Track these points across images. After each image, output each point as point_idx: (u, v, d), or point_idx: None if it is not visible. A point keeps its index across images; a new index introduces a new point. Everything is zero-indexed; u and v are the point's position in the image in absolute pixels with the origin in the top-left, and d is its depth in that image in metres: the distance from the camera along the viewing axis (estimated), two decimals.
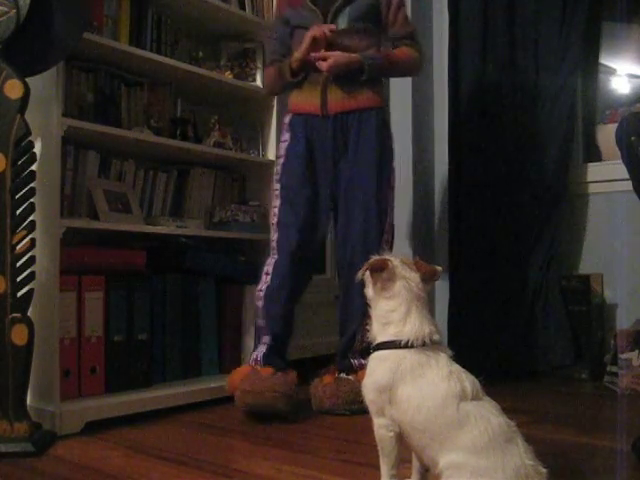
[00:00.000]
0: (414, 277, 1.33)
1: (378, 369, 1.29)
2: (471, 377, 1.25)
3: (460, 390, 1.21)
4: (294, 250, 2.18)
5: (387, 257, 1.35)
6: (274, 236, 2.25)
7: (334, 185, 2.24)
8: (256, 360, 2.14)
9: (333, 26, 2.16)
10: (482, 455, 1.14)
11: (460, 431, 1.16)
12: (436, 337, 1.29)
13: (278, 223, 2.24)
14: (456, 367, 1.27)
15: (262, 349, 2.16)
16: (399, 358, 1.27)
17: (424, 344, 1.27)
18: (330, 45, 2.15)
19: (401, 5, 2.30)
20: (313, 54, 2.15)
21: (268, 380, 2.02)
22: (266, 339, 2.17)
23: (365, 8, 2.22)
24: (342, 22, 2.20)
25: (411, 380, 1.24)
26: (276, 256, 2.22)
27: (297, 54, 2.19)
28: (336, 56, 2.13)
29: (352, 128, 2.21)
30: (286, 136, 2.29)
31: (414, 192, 3.35)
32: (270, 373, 2.06)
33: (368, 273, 1.35)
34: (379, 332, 1.33)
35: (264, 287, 2.18)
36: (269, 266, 2.21)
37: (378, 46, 2.28)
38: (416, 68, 2.38)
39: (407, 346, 1.27)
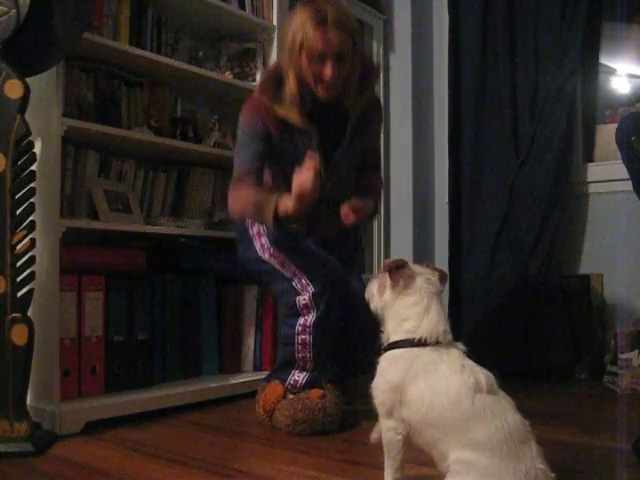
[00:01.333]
0: (432, 274, 1.35)
1: (390, 369, 1.29)
2: (485, 371, 1.25)
3: (474, 382, 1.20)
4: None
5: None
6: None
7: None
8: (295, 386, 2.03)
9: (356, 205, 1.92)
10: (495, 454, 1.13)
11: (475, 425, 1.15)
12: (449, 337, 1.30)
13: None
14: (469, 362, 1.27)
15: (304, 376, 2.03)
16: (412, 357, 1.27)
17: (438, 342, 1.28)
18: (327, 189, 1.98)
19: (379, 132, 2.23)
20: (346, 209, 1.91)
21: (319, 405, 1.94)
22: (309, 367, 2.03)
23: (362, 148, 2.12)
24: (343, 168, 2.06)
25: (424, 377, 1.24)
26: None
27: (289, 206, 1.78)
28: (363, 207, 1.96)
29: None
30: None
31: (414, 192, 3.35)
32: (319, 396, 1.97)
33: (386, 275, 1.35)
34: (393, 330, 1.33)
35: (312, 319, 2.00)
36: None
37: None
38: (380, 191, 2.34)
39: (421, 344, 1.27)
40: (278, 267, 2.04)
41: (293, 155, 1.91)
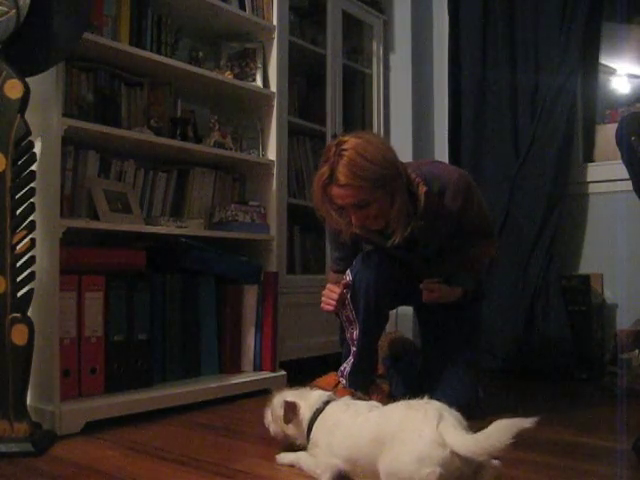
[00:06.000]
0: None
1: None
2: None
3: None
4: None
5: None
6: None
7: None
8: (342, 372, 2.12)
9: (437, 290, 2.08)
10: None
11: None
12: None
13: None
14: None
15: (350, 364, 2.13)
16: None
17: None
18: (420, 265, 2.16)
19: (475, 207, 2.08)
20: (424, 286, 2.09)
21: None
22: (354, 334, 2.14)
23: (447, 233, 2.09)
24: (430, 254, 2.14)
25: None
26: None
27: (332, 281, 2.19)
28: (444, 295, 2.08)
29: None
30: None
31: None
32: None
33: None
34: None
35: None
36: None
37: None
38: (491, 257, 2.28)
39: None
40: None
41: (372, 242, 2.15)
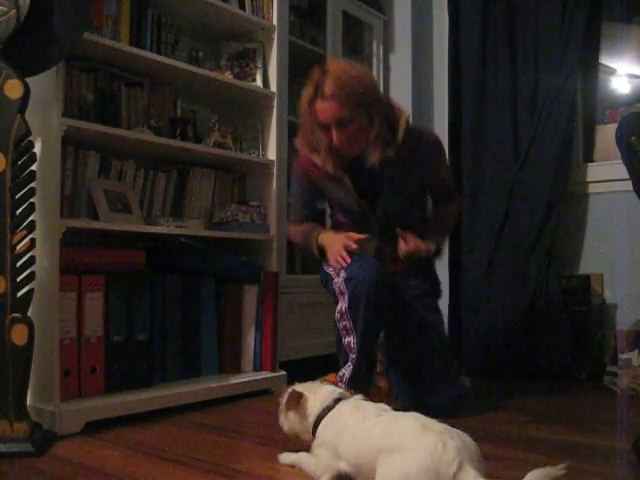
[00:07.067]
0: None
1: None
2: None
3: None
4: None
5: None
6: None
7: None
8: (342, 378, 2.09)
9: (362, 237, 2.07)
10: None
11: None
12: None
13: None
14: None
15: (350, 370, 2.09)
16: None
17: None
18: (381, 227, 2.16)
19: (441, 161, 2.24)
20: (399, 232, 2.10)
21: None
22: (358, 357, 2.11)
23: (413, 187, 2.17)
24: (393, 207, 2.16)
25: None
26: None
27: (326, 244, 2.12)
28: (418, 246, 2.11)
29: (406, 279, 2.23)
30: None
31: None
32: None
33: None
34: None
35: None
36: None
37: (425, 205, 2.29)
38: (456, 215, 2.39)
39: None
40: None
41: (337, 201, 2.24)
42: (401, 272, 2.21)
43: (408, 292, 2.22)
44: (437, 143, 2.23)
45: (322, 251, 2.15)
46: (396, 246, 2.13)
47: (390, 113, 2.11)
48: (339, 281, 2.05)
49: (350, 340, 2.06)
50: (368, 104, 2.02)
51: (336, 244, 2.08)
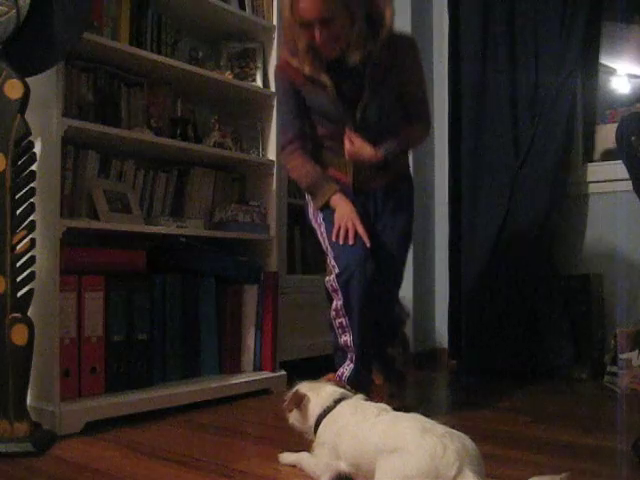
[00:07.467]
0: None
1: None
2: None
3: None
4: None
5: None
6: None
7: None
8: (341, 377, 2.08)
9: (357, 142, 2.07)
10: None
11: None
12: None
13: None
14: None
15: (350, 368, 2.10)
16: None
17: None
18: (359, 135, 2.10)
19: (420, 77, 2.22)
20: (347, 132, 2.07)
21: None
22: (356, 354, 2.11)
23: (392, 96, 2.14)
24: (372, 115, 2.11)
25: None
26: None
27: (339, 213, 2.07)
28: (362, 148, 2.07)
29: (382, 197, 2.20)
30: None
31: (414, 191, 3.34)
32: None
33: None
34: None
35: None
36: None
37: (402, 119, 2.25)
38: (426, 138, 2.36)
39: None
40: (319, 236, 2.17)
41: (318, 108, 2.14)
42: (378, 190, 2.18)
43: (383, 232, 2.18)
44: (414, 44, 2.19)
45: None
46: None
47: (374, 12, 2.07)
48: (331, 279, 2.05)
49: (347, 339, 2.07)
50: (350, 3, 1.98)
51: (348, 216, 2.04)
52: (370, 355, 2.15)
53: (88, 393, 2.04)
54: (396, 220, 2.20)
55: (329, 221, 2.11)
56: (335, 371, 2.17)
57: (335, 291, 2.04)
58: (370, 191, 2.19)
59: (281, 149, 2.25)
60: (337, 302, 2.05)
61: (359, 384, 2.06)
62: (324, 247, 2.14)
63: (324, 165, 2.19)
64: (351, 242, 2.01)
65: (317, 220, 2.18)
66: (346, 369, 2.09)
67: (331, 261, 2.07)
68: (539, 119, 3.03)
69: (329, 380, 1.87)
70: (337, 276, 2.02)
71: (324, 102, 2.11)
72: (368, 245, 2.02)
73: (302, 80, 2.11)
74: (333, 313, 2.07)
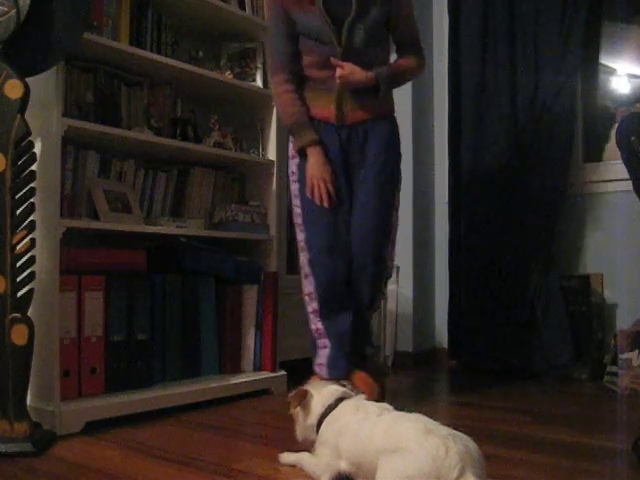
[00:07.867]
0: None
1: None
2: None
3: None
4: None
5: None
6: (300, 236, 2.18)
7: (348, 186, 2.19)
8: (320, 366, 2.12)
9: (347, 67, 2.09)
10: None
11: None
12: None
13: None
14: None
15: (324, 354, 2.14)
16: None
17: None
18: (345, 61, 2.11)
19: (410, 11, 2.24)
20: (333, 60, 2.09)
21: None
22: (328, 341, 2.15)
23: (379, 19, 2.15)
24: (358, 37, 2.12)
25: None
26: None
27: (310, 166, 2.13)
28: (353, 71, 2.09)
29: (366, 136, 2.18)
30: None
31: (414, 191, 3.35)
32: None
33: None
34: None
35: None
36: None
37: (388, 53, 2.26)
38: (419, 73, 2.36)
39: None
40: (295, 216, 2.20)
41: (307, 29, 2.14)
42: (363, 123, 2.17)
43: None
44: None
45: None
46: (359, 94, 2.14)
47: None
48: (304, 262, 2.11)
49: (318, 322, 2.12)
50: None
51: (320, 175, 2.10)
52: (348, 340, 2.14)
53: (88, 393, 2.04)
54: (380, 165, 2.18)
55: (304, 183, 2.14)
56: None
57: (306, 276, 2.10)
58: (354, 123, 2.17)
59: (270, 75, 2.33)
60: (308, 287, 2.10)
61: (338, 369, 2.05)
62: (298, 222, 2.17)
63: (308, 103, 2.19)
64: (326, 204, 2.07)
65: (294, 180, 2.20)
66: (322, 356, 2.11)
67: (302, 241, 2.12)
68: (539, 119, 3.03)
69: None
70: (309, 261, 2.08)
71: (313, 22, 2.11)
72: (326, 205, 2.08)
73: (293, 4, 2.12)
74: (307, 298, 2.13)
